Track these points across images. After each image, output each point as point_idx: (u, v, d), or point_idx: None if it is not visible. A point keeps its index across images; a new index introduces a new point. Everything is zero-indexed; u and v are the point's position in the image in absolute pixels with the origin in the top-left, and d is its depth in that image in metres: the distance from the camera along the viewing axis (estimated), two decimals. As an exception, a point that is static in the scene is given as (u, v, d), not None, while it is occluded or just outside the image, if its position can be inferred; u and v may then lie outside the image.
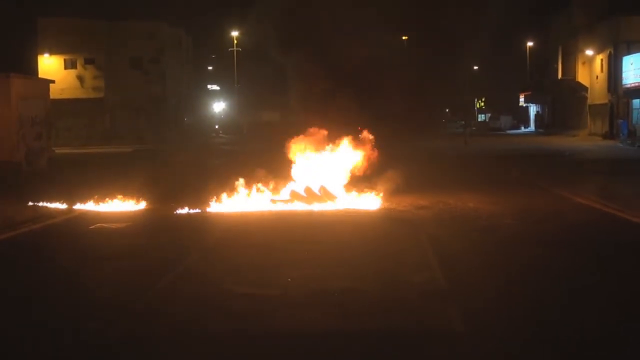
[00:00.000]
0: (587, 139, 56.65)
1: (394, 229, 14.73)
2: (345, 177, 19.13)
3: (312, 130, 19.47)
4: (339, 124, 19.29)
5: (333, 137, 19.45)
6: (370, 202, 18.09)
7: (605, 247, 12.67)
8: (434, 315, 8.39)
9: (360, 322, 8.14)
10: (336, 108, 19.52)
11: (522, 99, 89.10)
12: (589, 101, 65.10)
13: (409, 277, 10.16)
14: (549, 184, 22.28)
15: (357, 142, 19.39)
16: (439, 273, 10.41)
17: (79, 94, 62.40)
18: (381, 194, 18.38)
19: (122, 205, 18.33)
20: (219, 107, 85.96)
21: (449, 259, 11.53)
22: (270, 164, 19.57)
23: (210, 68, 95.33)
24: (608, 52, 59.02)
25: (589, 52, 63.62)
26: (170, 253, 12.28)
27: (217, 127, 75.74)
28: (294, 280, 10.03)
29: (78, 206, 18.25)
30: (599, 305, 8.77)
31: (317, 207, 17.90)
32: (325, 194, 18.32)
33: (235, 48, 75.66)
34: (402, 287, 9.66)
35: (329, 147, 19.26)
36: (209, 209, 17.62)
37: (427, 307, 8.70)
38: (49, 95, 31.08)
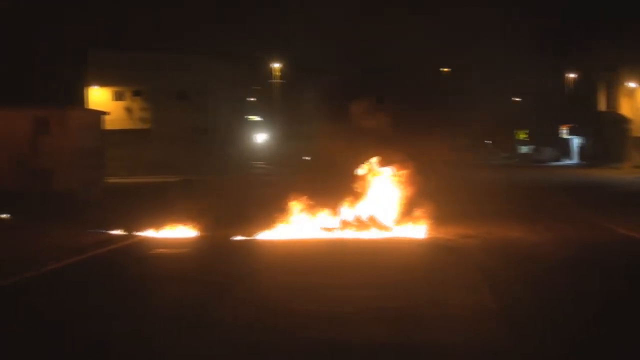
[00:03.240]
0: (630, 172, 56.41)
1: (442, 256, 15.24)
2: (393, 207, 19.65)
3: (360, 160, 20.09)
4: (387, 154, 19.88)
5: (381, 166, 20.04)
6: (418, 231, 18.61)
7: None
8: (485, 333, 8.92)
9: (416, 336, 8.76)
10: (384, 136, 20.10)
11: (564, 131, 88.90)
12: (632, 133, 64.89)
13: (460, 299, 10.72)
14: (593, 216, 22.52)
15: (405, 172, 19.93)
16: (488, 296, 10.94)
17: (127, 125, 63.84)
18: (428, 223, 18.87)
19: (177, 232, 19.07)
20: (260, 138, 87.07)
21: (497, 284, 12.02)
22: (318, 193, 20.16)
23: (252, 99, 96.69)
24: (651, 84, 58.94)
25: (632, 85, 63.55)
26: (231, 275, 13.00)
27: (261, 162, 76.18)
28: (351, 299, 10.64)
29: (136, 233, 19.04)
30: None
31: (366, 235, 18.48)
32: (374, 223, 18.90)
33: (276, 80, 76.92)
34: (453, 308, 10.22)
35: (378, 177, 19.84)
36: (261, 236, 18.29)
37: (477, 325, 9.23)
38: (102, 126, 32.18)
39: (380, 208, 19.61)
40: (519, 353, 8.22)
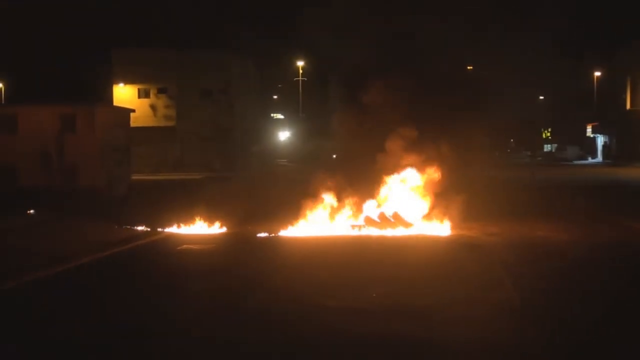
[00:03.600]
0: (656, 171, 55.99)
1: (466, 254, 15.30)
2: (417, 204, 19.74)
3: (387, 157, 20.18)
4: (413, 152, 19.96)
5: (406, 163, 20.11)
6: (442, 228, 18.70)
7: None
8: (511, 330, 9.04)
9: (442, 332, 8.90)
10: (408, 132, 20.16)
11: (589, 130, 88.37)
12: (658, 132, 64.46)
13: (484, 296, 10.84)
14: (616, 215, 22.45)
15: (429, 170, 19.98)
16: (512, 293, 11.03)
17: (152, 122, 64.30)
18: (452, 221, 18.95)
19: (203, 229, 19.29)
20: (283, 135, 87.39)
21: (520, 281, 12.09)
22: (342, 191, 20.26)
23: (275, 97, 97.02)
24: (678, 83, 58.49)
25: (658, 83, 63.10)
26: (258, 272, 13.17)
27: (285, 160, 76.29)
28: (377, 296, 10.80)
29: (162, 229, 19.29)
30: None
31: (390, 232, 18.58)
32: (398, 220, 18.99)
33: (300, 77, 77.12)
34: (479, 304, 10.33)
35: (402, 174, 19.91)
36: (285, 233, 18.47)
37: (503, 322, 9.36)
38: (129, 124, 32.48)
39: (405, 205, 19.69)
40: (536, 348, 8.31)
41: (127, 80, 63.84)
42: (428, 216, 19.39)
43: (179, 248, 16.18)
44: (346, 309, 10.01)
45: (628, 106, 71.59)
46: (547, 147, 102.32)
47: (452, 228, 18.76)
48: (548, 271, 13.17)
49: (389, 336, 8.76)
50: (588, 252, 15.49)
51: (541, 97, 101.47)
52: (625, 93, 72.60)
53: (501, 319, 9.51)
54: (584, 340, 8.68)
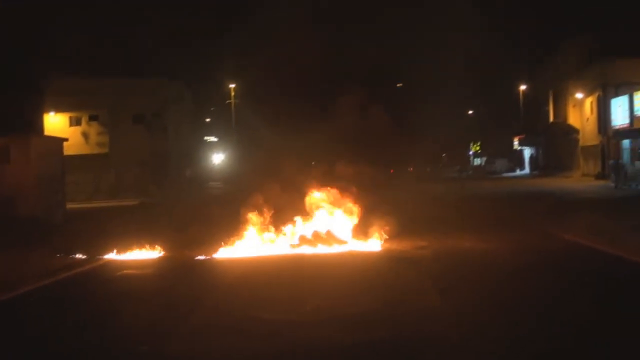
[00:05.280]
0: (580, 180, 58.15)
1: (395, 266, 16.11)
2: (350, 222, 20.49)
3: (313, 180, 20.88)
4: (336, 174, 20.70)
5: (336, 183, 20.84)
6: (373, 244, 19.49)
7: (585, 276, 14.04)
8: (433, 332, 9.83)
9: (370, 337, 9.61)
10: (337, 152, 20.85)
11: (516, 142, 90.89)
12: (580, 143, 66.79)
13: (410, 303, 11.63)
14: (541, 224, 23.54)
15: (360, 187, 20.76)
16: (436, 299, 11.86)
17: (84, 150, 63.98)
18: (383, 237, 19.76)
19: (141, 254, 19.68)
20: (218, 158, 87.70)
21: (444, 288, 12.97)
22: (276, 211, 20.88)
23: (208, 120, 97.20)
24: (597, 94, 60.85)
25: (579, 95, 65.46)
26: (197, 291, 13.73)
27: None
28: (310, 309, 11.51)
29: (100, 256, 19.60)
30: (568, 320, 10.19)
31: (324, 250, 19.29)
32: (331, 238, 19.71)
33: (232, 100, 77.58)
34: (406, 310, 11.11)
35: (333, 193, 20.64)
36: (223, 255, 19.02)
37: (427, 325, 10.15)
38: (62, 153, 32.65)
39: (337, 224, 20.42)
40: (464, 347, 9.10)
41: (58, 109, 63.38)
42: (361, 233, 20.14)
43: (118, 273, 16.57)
44: (280, 321, 10.67)
45: (551, 118, 74.06)
46: (477, 161, 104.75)
47: (383, 243, 19.56)
48: (471, 278, 14.03)
49: (317, 341, 9.54)
50: (508, 259, 16.44)
51: (470, 112, 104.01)
52: (547, 106, 75.11)
53: (423, 322, 10.31)
54: (496, 336, 9.53)
